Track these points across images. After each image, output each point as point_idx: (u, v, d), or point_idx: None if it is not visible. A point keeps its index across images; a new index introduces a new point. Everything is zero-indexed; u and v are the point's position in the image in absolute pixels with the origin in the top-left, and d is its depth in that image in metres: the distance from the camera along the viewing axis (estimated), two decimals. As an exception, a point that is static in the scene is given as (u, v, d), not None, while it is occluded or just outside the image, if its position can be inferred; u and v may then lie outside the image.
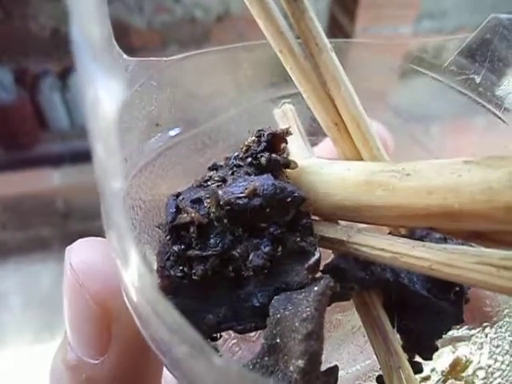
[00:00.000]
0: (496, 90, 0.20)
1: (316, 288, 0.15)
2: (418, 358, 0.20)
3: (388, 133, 0.26)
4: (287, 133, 0.18)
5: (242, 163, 0.19)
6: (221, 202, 0.16)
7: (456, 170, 0.14)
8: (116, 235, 0.11)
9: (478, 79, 0.21)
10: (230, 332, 0.18)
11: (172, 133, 0.22)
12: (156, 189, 0.22)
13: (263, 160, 0.17)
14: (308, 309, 0.15)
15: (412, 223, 0.17)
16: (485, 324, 0.20)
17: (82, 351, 0.17)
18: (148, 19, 1.06)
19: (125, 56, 0.17)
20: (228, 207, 0.16)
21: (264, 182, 0.16)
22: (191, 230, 0.17)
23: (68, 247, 0.18)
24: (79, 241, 0.18)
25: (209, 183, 0.18)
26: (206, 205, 0.17)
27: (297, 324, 0.15)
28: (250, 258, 0.16)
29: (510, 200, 0.13)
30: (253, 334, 0.21)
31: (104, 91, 0.11)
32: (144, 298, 0.11)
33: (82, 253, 0.17)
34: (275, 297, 0.16)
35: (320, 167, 0.19)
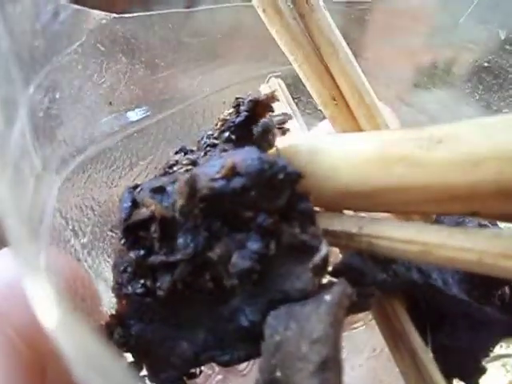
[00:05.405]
0: None
1: (328, 297, 0.11)
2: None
3: (392, 113, 0.22)
4: (273, 98, 0.14)
5: (216, 141, 0.14)
6: (198, 190, 0.12)
7: None
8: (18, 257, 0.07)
9: None
10: (214, 364, 0.14)
11: (132, 115, 0.17)
12: (114, 187, 0.18)
13: (256, 131, 0.13)
14: (320, 326, 0.10)
15: (444, 209, 0.13)
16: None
17: None
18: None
19: None
20: (201, 195, 0.12)
21: (247, 155, 0.12)
22: (152, 228, 0.13)
23: None
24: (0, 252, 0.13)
25: (175, 169, 0.14)
26: (173, 195, 0.13)
27: (305, 348, 0.10)
28: (233, 260, 0.12)
29: None
30: (244, 365, 0.16)
31: None
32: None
33: (2, 269, 0.12)
34: (271, 312, 0.12)
35: (319, 143, 0.14)
